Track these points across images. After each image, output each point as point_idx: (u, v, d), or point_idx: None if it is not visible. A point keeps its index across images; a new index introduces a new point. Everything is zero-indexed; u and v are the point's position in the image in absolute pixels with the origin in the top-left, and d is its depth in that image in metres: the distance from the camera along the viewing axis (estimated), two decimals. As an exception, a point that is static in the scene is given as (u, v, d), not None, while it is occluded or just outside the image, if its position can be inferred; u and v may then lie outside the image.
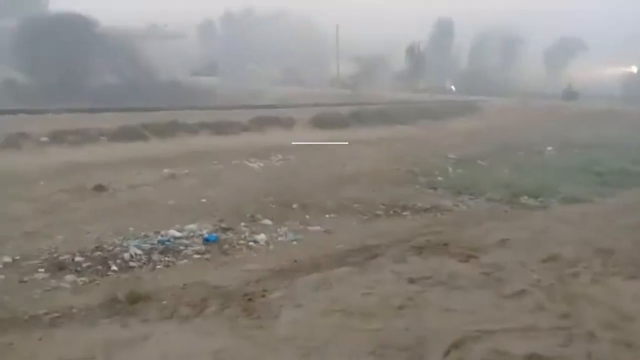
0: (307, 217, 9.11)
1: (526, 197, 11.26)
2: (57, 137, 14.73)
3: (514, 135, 22.21)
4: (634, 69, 60.37)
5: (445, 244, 5.91)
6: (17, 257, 6.75)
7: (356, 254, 6.31)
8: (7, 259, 6.65)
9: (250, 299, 4.82)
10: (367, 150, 16.92)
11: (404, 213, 9.87)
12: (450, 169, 14.50)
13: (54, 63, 33.68)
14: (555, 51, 68.80)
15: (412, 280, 4.68)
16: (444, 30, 75.56)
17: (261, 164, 13.77)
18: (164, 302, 5.10)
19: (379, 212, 9.74)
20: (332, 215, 9.34)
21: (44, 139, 14.48)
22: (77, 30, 37.38)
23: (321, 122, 21.91)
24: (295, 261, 6.50)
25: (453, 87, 56.23)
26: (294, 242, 7.72)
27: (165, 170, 12.01)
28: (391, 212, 9.85)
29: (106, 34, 41.57)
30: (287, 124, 20.93)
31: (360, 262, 5.64)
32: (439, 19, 76.84)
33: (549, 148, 18.99)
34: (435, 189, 12.05)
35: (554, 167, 15.04)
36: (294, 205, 9.66)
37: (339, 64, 50.67)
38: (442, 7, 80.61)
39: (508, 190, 11.75)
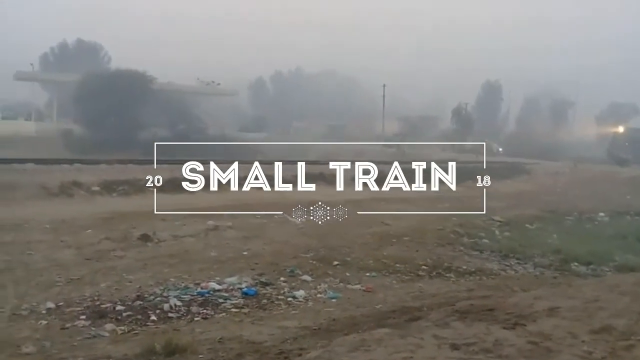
0: (347, 274, 8.98)
1: (577, 264, 10.83)
2: (108, 187, 15.22)
3: (563, 199, 21.61)
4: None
5: (491, 310, 5.65)
6: (61, 304, 6.86)
7: (396, 315, 6.13)
8: (51, 305, 6.76)
9: (285, 357, 4.71)
10: (410, 209, 16.70)
11: (448, 275, 9.61)
12: (496, 232, 14.14)
13: (110, 116, 35.29)
14: (606, 115, 67.58)
15: (455, 347, 4.46)
16: (491, 92, 75.73)
17: (303, 219, 13.76)
18: (200, 356, 5.05)
19: (421, 273, 9.51)
20: (372, 273, 9.18)
21: (95, 188, 14.99)
22: (134, 86, 39.26)
23: (364, 179, 21.84)
24: (334, 320, 6.36)
25: (500, 149, 55.61)
26: (333, 300, 7.58)
27: (209, 222, 12.16)
28: (434, 273, 9.61)
29: (161, 89, 43.52)
30: (331, 180, 20.97)
31: (401, 324, 5.46)
32: (487, 80, 77.21)
33: (601, 214, 18.32)
34: (480, 251, 11.74)
35: (607, 234, 14.47)
36: (335, 262, 9.56)
37: (385, 123, 51.05)
38: (491, 68, 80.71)
39: (558, 256, 11.34)
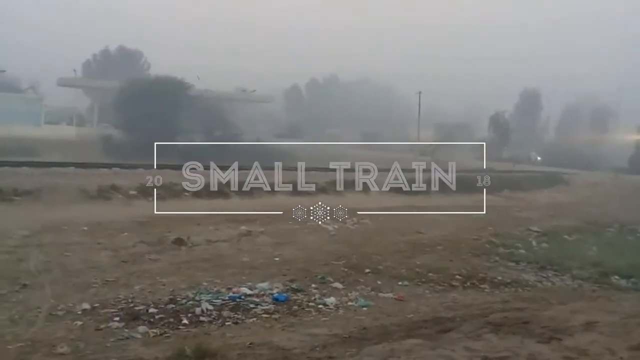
0: (379, 283, 8.90)
1: (617, 278, 10.49)
2: (145, 191, 15.47)
3: (603, 211, 21.00)
4: None
5: (526, 322, 5.51)
6: (96, 305, 6.99)
7: (428, 325, 6.03)
8: (87, 306, 6.90)
9: (314, 365, 4.68)
10: (446, 218, 16.50)
11: (482, 286, 9.42)
12: (533, 242, 13.83)
13: (149, 122, 35.98)
14: (650, 124, 65.56)
15: None
16: (530, 100, 74.41)
17: (336, 226, 13.74)
18: (229, 361, 5.06)
19: (454, 283, 9.35)
20: (405, 282, 9.07)
21: (132, 192, 15.27)
22: (172, 93, 40.00)
23: (399, 187, 21.70)
24: (364, 328, 6.30)
25: (538, 158, 54.51)
26: (364, 308, 7.51)
27: (242, 228, 12.25)
28: (468, 283, 9.43)
29: (199, 96, 44.22)
30: (364, 187, 20.90)
31: (432, 334, 5.37)
32: (525, 88, 75.92)
33: (643, 226, 17.73)
34: (517, 262, 11.48)
35: (649, 247, 13.99)
36: (366, 270, 9.49)
37: (420, 130, 50.66)
38: (531, 76, 79.39)
39: (597, 268, 11.00)
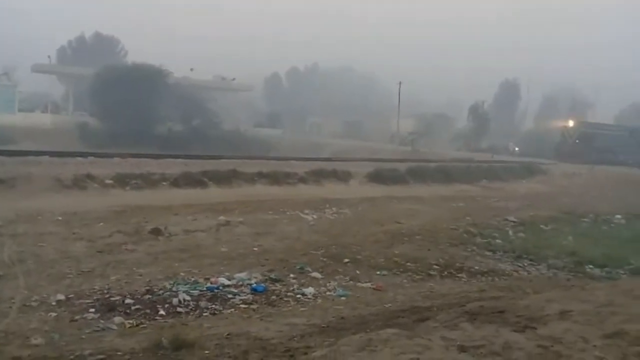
0: (358, 272, 8.92)
1: (591, 267, 10.67)
2: (121, 180, 15.29)
3: (579, 200, 21.36)
4: None
5: (501, 312, 5.56)
6: (71, 296, 6.89)
7: (405, 315, 6.05)
8: (61, 297, 6.79)
9: (291, 355, 4.67)
10: (424, 208, 16.62)
11: (459, 275, 9.51)
12: (510, 232, 14.00)
13: (125, 110, 35.59)
14: (626, 115, 66.79)
15: (462, 349, 4.38)
16: (509, 91, 75.17)
17: (315, 216, 13.73)
18: (207, 352, 5.03)
19: (432, 273, 9.42)
20: (383, 272, 9.11)
21: (108, 181, 15.06)
22: (149, 80, 39.55)
23: (378, 177, 21.82)
24: (342, 318, 6.31)
25: (516, 148, 55.13)
26: (343, 298, 7.52)
27: (221, 217, 12.16)
28: (445, 273, 9.51)
29: (177, 84, 43.77)
30: (344, 177, 20.97)
31: (409, 324, 5.39)
32: (505, 79, 76.60)
33: (618, 216, 18.06)
34: (493, 251, 11.61)
35: (623, 237, 14.24)
36: (345, 260, 9.50)
37: (400, 120, 50.82)
38: (510, 67, 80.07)
39: (572, 258, 11.18)
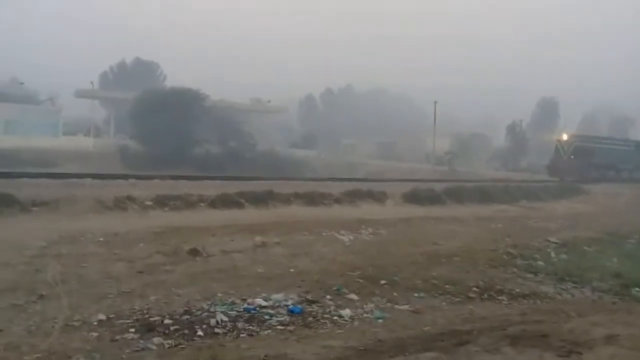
0: (395, 294, 8.80)
1: (637, 289, 10.29)
2: (160, 202, 15.55)
3: (624, 221, 20.68)
4: None
5: (545, 336, 5.42)
6: (112, 316, 6.99)
7: (445, 338, 5.94)
8: (102, 317, 6.90)
9: (330, 378, 4.62)
10: (462, 229, 16.36)
11: (500, 298, 9.29)
12: (552, 254, 13.63)
13: (165, 133, 36.40)
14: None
15: (505, 374, 4.28)
16: (547, 109, 73.98)
17: (351, 237, 13.66)
18: (244, 373, 5.03)
19: (472, 295, 9.23)
20: (421, 294, 8.96)
21: (148, 202, 15.34)
22: (187, 104, 40.44)
23: (415, 198, 21.63)
24: (380, 341, 6.22)
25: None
26: (380, 320, 7.43)
27: (257, 238, 12.21)
28: (485, 295, 9.30)
29: (214, 107, 44.61)
30: (380, 197, 20.85)
31: (449, 348, 5.29)
32: (542, 97, 75.47)
33: (665, 237, 17.41)
34: (535, 274, 11.31)
35: (671, 258, 13.70)
36: (382, 282, 9.39)
37: (435, 140, 50.43)
38: (548, 86, 78.89)
39: (617, 280, 10.81)
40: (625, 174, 40.11)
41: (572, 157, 38.76)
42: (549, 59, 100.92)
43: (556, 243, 15.09)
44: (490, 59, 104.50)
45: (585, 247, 14.92)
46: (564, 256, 13.43)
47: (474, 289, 9.56)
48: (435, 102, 51.07)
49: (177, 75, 59.46)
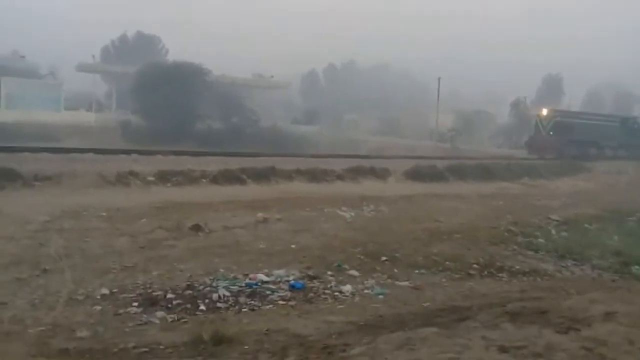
0: (396, 271, 8.87)
1: (637, 267, 10.35)
2: (162, 177, 15.57)
3: (626, 198, 20.67)
4: None
5: (544, 312, 5.45)
6: (115, 290, 7.08)
7: (444, 314, 6.00)
8: (105, 291, 6.99)
9: (330, 352, 4.67)
10: (464, 206, 16.39)
11: (500, 275, 9.35)
12: (553, 231, 13.68)
13: (166, 108, 36.22)
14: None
15: (503, 349, 4.32)
16: (552, 85, 73.37)
17: (352, 214, 13.70)
18: (246, 347, 5.10)
19: (472, 272, 9.29)
20: (421, 271, 9.03)
21: (150, 178, 15.36)
22: (189, 79, 40.13)
23: (417, 175, 21.61)
24: (380, 316, 6.30)
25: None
26: (380, 296, 7.50)
27: (259, 214, 12.26)
28: (485, 272, 9.37)
29: (216, 82, 44.29)
30: (382, 174, 20.84)
31: (448, 323, 5.33)
32: (548, 73, 74.79)
33: (667, 214, 17.42)
34: (535, 251, 11.37)
35: (672, 236, 13.73)
36: (383, 258, 9.46)
37: (439, 117, 50.17)
38: (553, 62, 78.12)
39: (617, 258, 10.86)
40: (608, 151, 38.10)
41: (551, 133, 36.72)
42: (554, 34, 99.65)
43: (557, 220, 15.12)
44: (495, 34, 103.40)
45: (586, 225, 14.96)
46: (564, 234, 13.48)
47: (475, 265, 9.63)
48: (439, 79, 50.72)
49: (179, 49, 58.90)
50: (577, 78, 72.08)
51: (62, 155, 17.26)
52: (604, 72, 78.59)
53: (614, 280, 9.36)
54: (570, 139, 35.87)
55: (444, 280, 8.70)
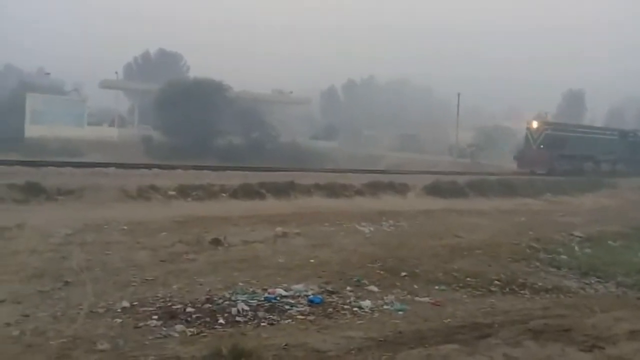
0: (415, 286, 8.78)
1: (663, 285, 10.09)
2: (183, 192, 15.72)
3: (650, 215, 20.25)
4: None
5: (567, 330, 5.36)
6: (135, 303, 7.11)
7: (465, 331, 5.91)
8: (126, 304, 7.02)
9: (349, 368, 4.64)
10: (485, 222, 16.22)
11: (522, 292, 9.20)
12: (576, 248, 13.44)
13: (188, 123, 36.66)
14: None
15: (526, 367, 4.25)
16: (574, 101, 72.70)
17: (372, 229, 13.65)
18: (264, 362, 5.07)
19: (493, 289, 9.16)
20: (442, 287, 8.92)
21: (171, 192, 15.51)
22: (210, 95, 40.61)
23: (437, 190, 21.48)
24: (400, 332, 6.22)
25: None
26: (400, 312, 7.42)
27: (278, 229, 12.28)
28: (507, 289, 9.23)
29: (237, 98, 44.75)
30: (401, 190, 20.76)
31: (469, 340, 5.26)
32: (569, 89, 74.15)
33: (694, 232, 17.01)
34: (558, 268, 11.17)
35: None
36: (402, 274, 9.37)
37: (459, 133, 49.93)
38: (574, 77, 77.40)
39: (643, 276, 10.61)
40: (605, 166, 36.15)
41: (542, 146, 34.29)
42: (576, 49, 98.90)
43: (580, 237, 14.88)
44: (514, 50, 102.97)
45: (610, 242, 14.68)
46: (588, 250, 13.24)
47: (496, 282, 9.49)
48: (459, 94, 50.56)
49: (200, 65, 59.69)
50: (600, 93, 71.33)
51: (84, 170, 17.54)
52: (627, 87, 77.60)
53: (639, 299, 9.14)
54: (562, 153, 34.09)
55: (464, 296, 8.58)
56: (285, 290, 7.92)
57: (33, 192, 13.58)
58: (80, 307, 6.83)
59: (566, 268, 11.15)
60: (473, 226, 15.09)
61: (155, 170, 19.06)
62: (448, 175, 25.44)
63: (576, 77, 79.63)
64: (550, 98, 71.67)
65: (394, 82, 79.01)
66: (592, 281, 10.34)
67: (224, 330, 6.40)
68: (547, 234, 14.76)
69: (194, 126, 36.73)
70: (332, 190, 18.73)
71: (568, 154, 34.41)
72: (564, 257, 12.22)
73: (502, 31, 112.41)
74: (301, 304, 7.49)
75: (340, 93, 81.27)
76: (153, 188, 15.42)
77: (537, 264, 11.36)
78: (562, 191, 26.27)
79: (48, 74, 58.14)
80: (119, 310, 6.84)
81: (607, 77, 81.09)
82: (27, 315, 6.42)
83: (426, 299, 8.20)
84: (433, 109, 69.77)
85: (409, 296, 8.29)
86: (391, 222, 14.76)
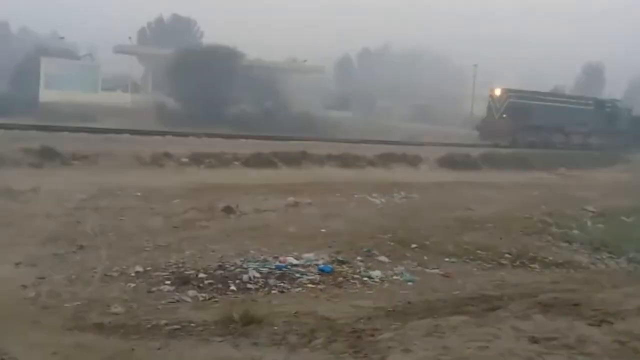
0: (426, 258, 8.81)
1: (676, 261, 10.05)
2: (196, 159, 15.79)
3: (666, 191, 20.00)
4: None
5: (576, 304, 5.36)
6: (149, 268, 7.23)
7: (474, 303, 5.94)
8: (139, 269, 7.14)
9: (358, 336, 4.70)
10: (497, 195, 16.14)
11: (532, 265, 9.22)
12: (588, 223, 13.37)
13: (201, 91, 36.47)
14: None
15: (534, 340, 4.27)
16: (592, 74, 71.34)
17: (383, 200, 13.65)
18: (275, 328, 5.15)
19: (503, 262, 9.18)
20: (452, 259, 8.95)
21: (184, 159, 15.60)
22: (224, 62, 40.26)
23: (450, 162, 21.37)
24: (409, 303, 6.28)
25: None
26: (410, 283, 7.48)
27: (290, 198, 12.32)
28: (517, 262, 9.25)
29: (250, 66, 44.38)
30: (414, 161, 20.68)
31: (478, 312, 5.29)
32: (587, 62, 72.72)
33: None
34: (569, 242, 11.15)
35: None
36: (413, 245, 9.40)
37: (474, 104, 49.34)
38: (594, 50, 75.82)
39: (655, 252, 10.56)
40: (577, 138, 33.25)
41: (504, 116, 31.50)
42: (595, 24, 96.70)
43: (593, 212, 14.78)
44: (534, 23, 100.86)
45: (623, 217, 14.57)
46: (600, 226, 13.17)
47: (507, 255, 9.51)
48: (475, 65, 49.80)
49: (213, 33, 59.18)
50: (619, 67, 69.88)
51: (99, 135, 17.65)
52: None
53: (650, 275, 9.14)
54: (526, 124, 31.28)
55: (474, 269, 8.61)
56: (296, 259, 8.00)
57: (48, 156, 13.72)
58: (95, 270, 6.96)
59: (578, 243, 11.12)
60: (485, 199, 15.03)
61: (169, 137, 19.13)
62: (461, 148, 25.26)
63: (595, 51, 78.10)
64: (569, 71, 70.35)
65: (410, 51, 77.77)
66: (604, 256, 10.32)
67: (235, 297, 6.50)
68: (559, 209, 14.67)
69: (207, 93, 36.52)
70: (345, 161, 18.71)
71: (534, 124, 31.66)
72: (575, 231, 12.18)
73: (518, 5, 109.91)
74: (311, 272, 7.57)
75: (355, 62, 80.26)
76: (166, 155, 15.51)
77: (549, 238, 11.34)
78: (576, 165, 25.99)
79: (62, 37, 58.04)
80: (132, 274, 6.97)
81: (627, 52, 79.26)
82: (42, 278, 6.55)
83: (436, 271, 8.25)
84: (449, 81, 68.79)
85: (419, 267, 8.34)
86: (403, 193, 14.73)
